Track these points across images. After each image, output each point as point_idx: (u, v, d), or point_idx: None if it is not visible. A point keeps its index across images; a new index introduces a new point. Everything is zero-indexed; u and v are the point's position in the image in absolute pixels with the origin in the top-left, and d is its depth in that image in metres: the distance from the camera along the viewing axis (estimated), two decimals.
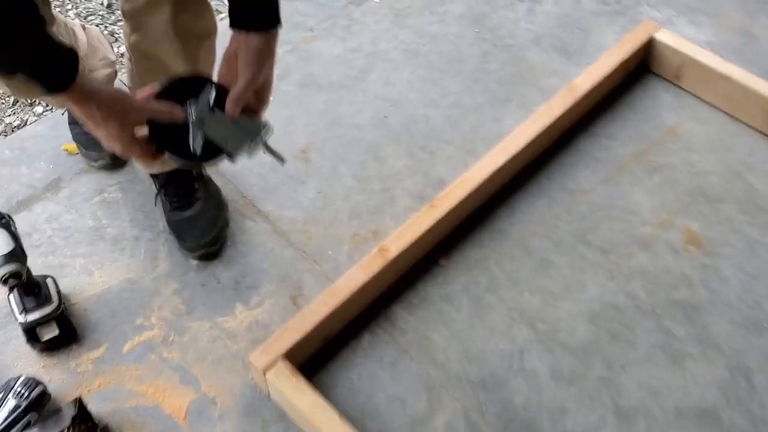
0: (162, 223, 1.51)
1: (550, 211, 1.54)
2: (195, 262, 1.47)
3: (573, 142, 1.66)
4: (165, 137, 0.98)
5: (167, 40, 1.19)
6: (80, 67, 0.86)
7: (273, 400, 1.29)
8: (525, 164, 1.60)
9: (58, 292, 1.35)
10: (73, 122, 1.59)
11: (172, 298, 1.42)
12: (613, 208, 1.55)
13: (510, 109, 1.73)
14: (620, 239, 1.50)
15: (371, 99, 1.75)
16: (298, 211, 1.55)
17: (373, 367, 1.33)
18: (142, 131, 0.97)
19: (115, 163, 1.59)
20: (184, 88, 1.01)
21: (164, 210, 1.49)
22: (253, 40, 0.95)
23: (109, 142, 0.95)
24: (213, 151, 1.00)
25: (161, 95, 0.99)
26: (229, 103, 0.99)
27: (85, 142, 1.57)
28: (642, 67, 1.78)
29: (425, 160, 1.63)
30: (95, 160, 1.58)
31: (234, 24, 0.96)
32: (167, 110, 0.97)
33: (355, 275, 1.34)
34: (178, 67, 1.23)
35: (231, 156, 1.00)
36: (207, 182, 1.51)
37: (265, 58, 0.98)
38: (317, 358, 1.34)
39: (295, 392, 1.20)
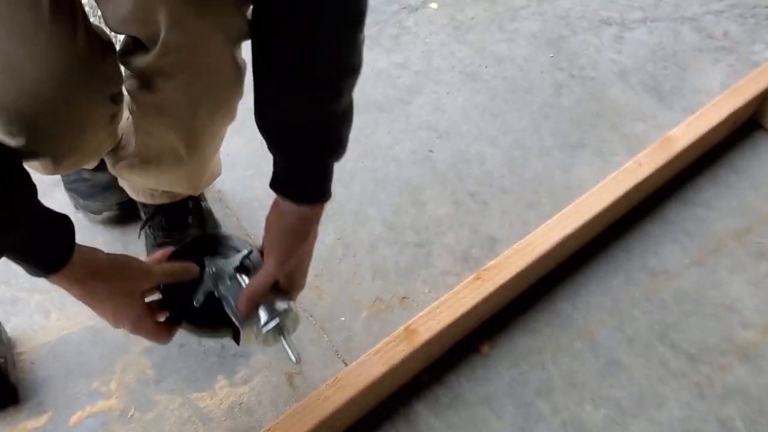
0: None
1: (625, 296, 1.22)
2: None
3: (660, 208, 1.33)
4: (177, 300, 0.90)
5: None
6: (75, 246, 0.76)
7: None
8: (599, 232, 1.28)
9: (1, 339, 1.07)
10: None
11: (140, 359, 1.13)
12: (705, 301, 1.22)
13: (584, 156, 1.41)
14: (713, 343, 1.17)
15: (415, 127, 1.45)
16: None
17: None
18: (153, 297, 0.89)
19: (126, 213, 1.26)
20: (209, 246, 0.94)
21: (146, 245, 1.20)
22: (291, 212, 0.83)
23: (118, 321, 0.85)
24: (221, 320, 0.89)
25: (178, 255, 0.92)
26: (241, 300, 0.85)
27: (84, 189, 1.24)
28: (751, 123, 1.45)
29: (474, 212, 1.32)
30: (98, 212, 1.25)
31: (272, 184, 0.84)
32: (182, 269, 0.88)
33: (372, 363, 1.03)
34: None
35: (236, 336, 0.89)
36: (205, 217, 1.22)
37: (301, 237, 0.85)
38: None
39: None
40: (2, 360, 1.06)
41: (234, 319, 0.87)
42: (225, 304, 0.88)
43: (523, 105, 1.49)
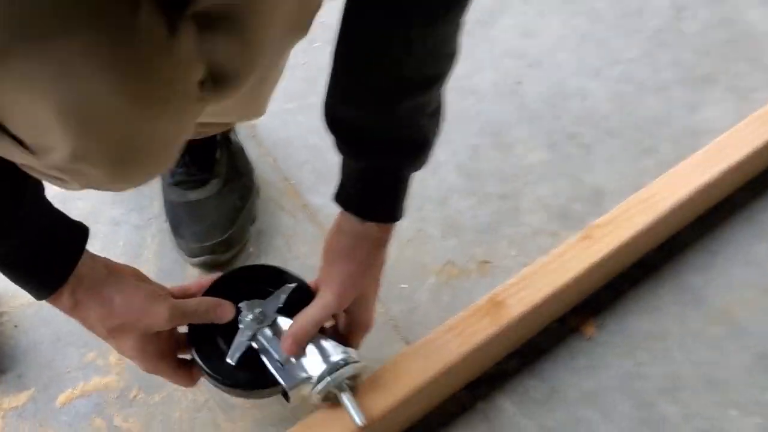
0: (157, 204, 0.99)
1: None
2: (195, 271, 0.94)
3: None
4: (204, 350, 0.71)
5: None
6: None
7: None
8: (738, 187, 0.99)
9: None
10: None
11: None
12: None
13: (714, 93, 1.11)
14: None
15: (499, 54, 1.17)
16: None
17: None
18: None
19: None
20: (251, 282, 0.75)
21: (163, 184, 0.96)
22: (354, 231, 0.68)
23: (126, 356, 0.69)
24: (262, 379, 0.70)
25: (217, 288, 0.73)
26: (286, 340, 0.69)
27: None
28: None
29: (575, 158, 1.04)
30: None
31: (337, 196, 0.69)
32: (213, 310, 0.69)
33: (443, 344, 0.77)
34: None
35: (285, 394, 0.71)
36: (235, 153, 0.98)
37: (365, 263, 0.70)
38: None
39: None
40: None
41: (278, 377, 0.69)
42: (266, 359, 0.70)
43: (633, 30, 1.20)
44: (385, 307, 0.91)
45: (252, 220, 0.97)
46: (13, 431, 0.82)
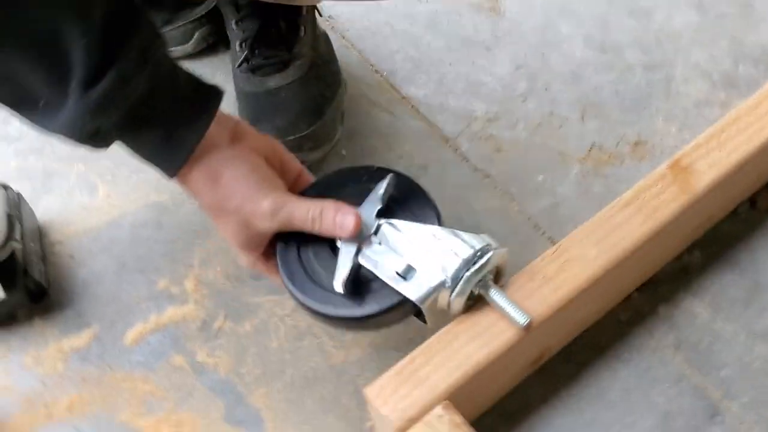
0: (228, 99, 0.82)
1: None
2: None
3: None
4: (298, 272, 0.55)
5: None
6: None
7: None
8: None
9: (19, 218, 0.70)
10: None
11: (230, 247, 0.72)
12: None
13: None
14: None
15: None
16: (478, 100, 0.80)
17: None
18: None
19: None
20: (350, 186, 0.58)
21: (235, 73, 0.79)
22: None
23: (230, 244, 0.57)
24: (381, 301, 0.52)
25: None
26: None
27: None
28: None
29: (732, 16, 0.84)
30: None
31: None
32: (329, 211, 0.53)
33: (623, 219, 0.58)
34: None
35: (419, 312, 0.53)
36: (319, 36, 0.80)
37: None
38: (515, 402, 0.60)
39: None
40: (19, 246, 0.68)
41: (405, 293, 0.52)
42: (383, 275, 0.53)
43: None
44: (520, 204, 0.72)
45: (341, 115, 0.79)
46: (78, 377, 0.66)
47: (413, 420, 0.51)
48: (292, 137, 0.73)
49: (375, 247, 0.53)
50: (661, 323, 0.63)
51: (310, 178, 0.60)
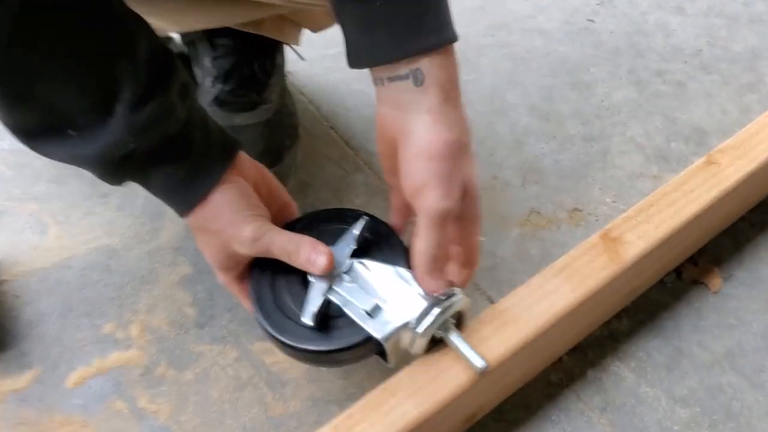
0: None
1: None
2: None
3: None
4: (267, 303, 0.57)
5: None
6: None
7: None
8: None
9: None
10: None
11: (176, 293, 0.74)
12: None
13: None
14: None
15: None
16: None
17: None
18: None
19: None
20: (316, 227, 0.60)
21: (201, 101, 0.80)
22: (405, 92, 0.51)
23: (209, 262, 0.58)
24: (346, 338, 0.54)
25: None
26: (423, 279, 0.54)
27: None
28: None
29: (667, 95, 0.90)
30: None
31: (351, 57, 0.53)
32: (305, 246, 0.55)
33: (554, 286, 0.61)
34: None
35: (382, 351, 0.55)
36: (285, 88, 0.84)
37: (448, 124, 0.51)
38: None
39: None
40: None
41: (370, 330, 0.54)
42: (351, 312, 0.55)
43: None
44: None
45: (296, 167, 0.82)
46: (14, 419, 0.66)
47: None
48: None
49: (346, 284, 0.55)
50: (588, 386, 0.66)
51: (294, 208, 0.62)
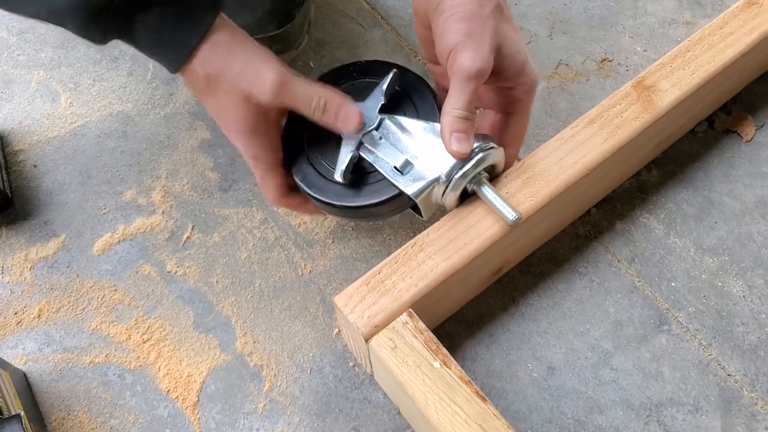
0: None
1: None
2: None
3: None
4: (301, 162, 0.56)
5: None
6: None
7: (378, 383, 0.60)
8: None
9: None
10: None
11: (197, 157, 0.72)
12: None
13: None
14: None
15: None
16: None
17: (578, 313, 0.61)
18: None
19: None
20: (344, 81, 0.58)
21: None
22: None
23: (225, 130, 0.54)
24: (378, 193, 0.54)
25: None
26: (448, 138, 0.51)
27: None
28: None
29: None
30: None
31: None
32: (332, 103, 0.52)
33: (586, 136, 0.60)
34: None
35: (414, 205, 0.54)
36: None
37: None
38: (475, 311, 0.63)
39: (431, 377, 0.51)
40: None
41: (400, 186, 0.53)
42: (381, 168, 0.54)
43: None
44: None
45: (309, 24, 0.78)
46: (46, 285, 0.66)
47: (379, 327, 0.53)
48: (259, 37, 0.71)
49: (376, 141, 0.54)
50: (617, 238, 0.66)
51: None
